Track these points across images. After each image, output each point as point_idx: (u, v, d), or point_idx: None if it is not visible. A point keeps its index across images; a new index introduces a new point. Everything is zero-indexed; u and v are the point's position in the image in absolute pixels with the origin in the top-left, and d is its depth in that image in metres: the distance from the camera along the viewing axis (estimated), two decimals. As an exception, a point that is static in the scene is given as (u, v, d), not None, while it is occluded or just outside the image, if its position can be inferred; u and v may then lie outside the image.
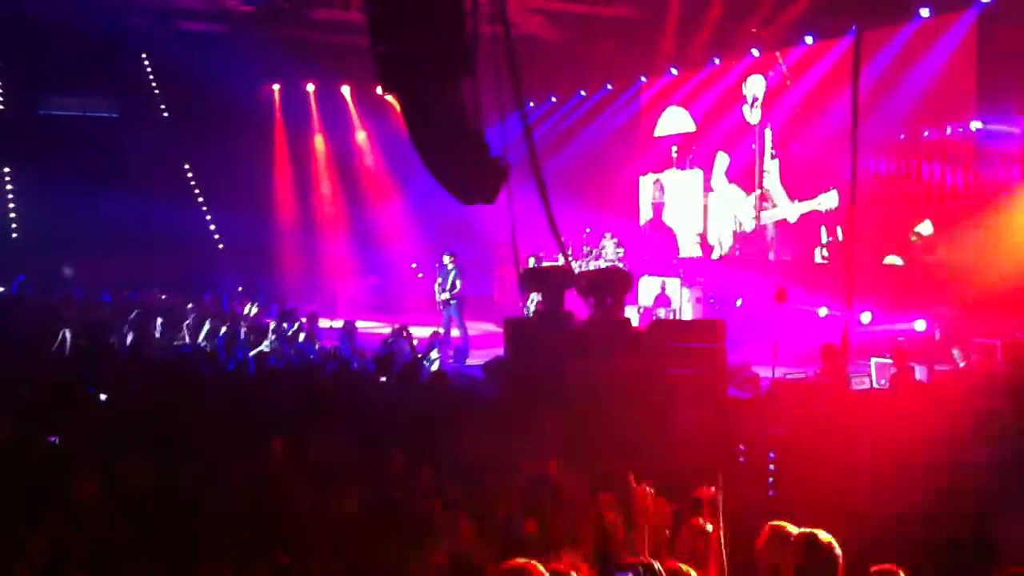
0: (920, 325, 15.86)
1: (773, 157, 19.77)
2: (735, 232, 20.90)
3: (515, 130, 11.30)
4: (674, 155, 22.30)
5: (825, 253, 18.61)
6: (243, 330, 16.99)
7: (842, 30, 17.14)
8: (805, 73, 18.84)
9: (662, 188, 22.94)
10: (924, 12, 16.28)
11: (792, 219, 19.37)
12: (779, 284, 14.38)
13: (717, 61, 20.69)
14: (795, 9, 18.29)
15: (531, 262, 19.78)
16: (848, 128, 10.60)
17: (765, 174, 19.95)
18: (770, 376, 12.03)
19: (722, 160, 21.15)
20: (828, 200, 18.39)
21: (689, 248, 22.02)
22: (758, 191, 20.12)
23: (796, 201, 19.24)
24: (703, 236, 21.65)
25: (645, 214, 23.41)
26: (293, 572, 5.53)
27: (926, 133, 16.72)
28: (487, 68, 10.25)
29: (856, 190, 10.82)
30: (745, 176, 20.55)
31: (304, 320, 17.15)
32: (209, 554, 5.59)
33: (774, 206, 19.79)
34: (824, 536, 4.42)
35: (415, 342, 15.32)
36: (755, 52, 19.76)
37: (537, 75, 22.28)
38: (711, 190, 21.49)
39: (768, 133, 19.86)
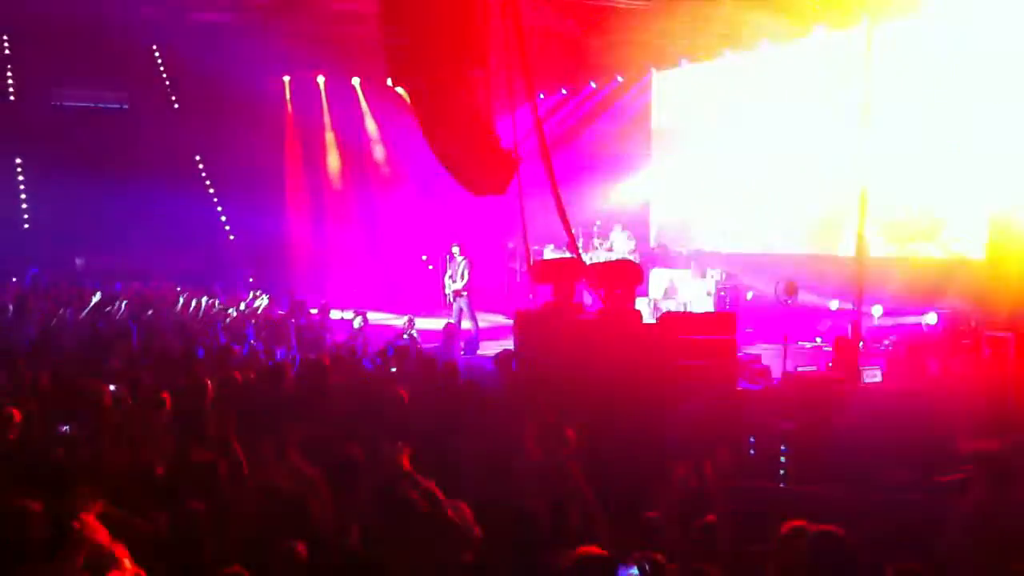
0: (931, 318, 15.82)
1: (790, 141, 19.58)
2: (759, 222, 20.67)
3: (526, 122, 11.27)
4: (693, 146, 22.10)
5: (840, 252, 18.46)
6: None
7: (853, 21, 17.08)
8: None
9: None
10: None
11: (818, 204, 19.12)
12: (790, 277, 14.36)
13: (728, 52, 20.64)
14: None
15: (547, 252, 19.80)
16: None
17: (783, 160, 19.72)
18: (781, 368, 12.02)
19: (741, 148, 20.92)
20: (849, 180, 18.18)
21: (708, 237, 21.84)
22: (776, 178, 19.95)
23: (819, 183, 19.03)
24: (726, 226, 21.45)
25: (659, 204, 23.31)
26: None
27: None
28: (498, 60, 10.23)
29: (866, 183, 10.78)
30: (767, 164, 20.35)
31: (315, 311, 17.16)
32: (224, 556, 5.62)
33: (798, 189, 19.54)
34: (840, 534, 4.39)
35: (415, 331, 15.33)
36: (766, 43, 19.69)
37: (548, 67, 22.33)
38: (729, 178, 21.27)
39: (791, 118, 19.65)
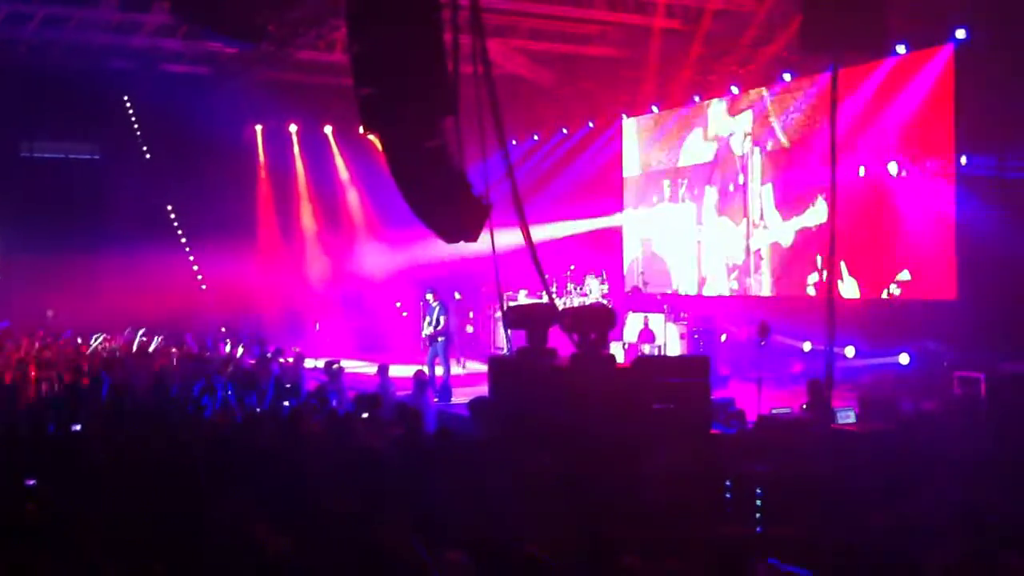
0: (904, 359, 15.89)
1: (764, 183, 19.76)
2: (727, 265, 20.78)
3: (498, 168, 11.31)
4: (667, 190, 22.26)
5: (813, 292, 18.57)
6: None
7: (820, 67, 17.29)
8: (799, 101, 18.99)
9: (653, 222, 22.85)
10: (900, 48, 16.41)
11: (785, 242, 19.28)
12: (762, 319, 14.39)
13: (697, 99, 20.84)
14: (773, 47, 18.48)
15: (520, 298, 19.81)
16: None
17: (757, 199, 19.86)
18: (756, 411, 12.02)
19: (711, 193, 21.09)
20: (817, 213, 18.37)
21: (682, 282, 21.91)
22: (745, 219, 20.07)
23: (788, 220, 19.19)
24: (697, 270, 21.55)
25: (632, 249, 23.37)
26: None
27: (904, 172, 16.81)
28: (469, 107, 10.28)
29: (835, 226, 10.87)
30: (735, 206, 20.54)
31: (290, 361, 17.05)
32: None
33: (766, 228, 19.72)
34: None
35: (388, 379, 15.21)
36: (735, 90, 19.91)
37: (520, 114, 22.49)
38: (702, 223, 21.41)
39: (758, 161, 19.85)
